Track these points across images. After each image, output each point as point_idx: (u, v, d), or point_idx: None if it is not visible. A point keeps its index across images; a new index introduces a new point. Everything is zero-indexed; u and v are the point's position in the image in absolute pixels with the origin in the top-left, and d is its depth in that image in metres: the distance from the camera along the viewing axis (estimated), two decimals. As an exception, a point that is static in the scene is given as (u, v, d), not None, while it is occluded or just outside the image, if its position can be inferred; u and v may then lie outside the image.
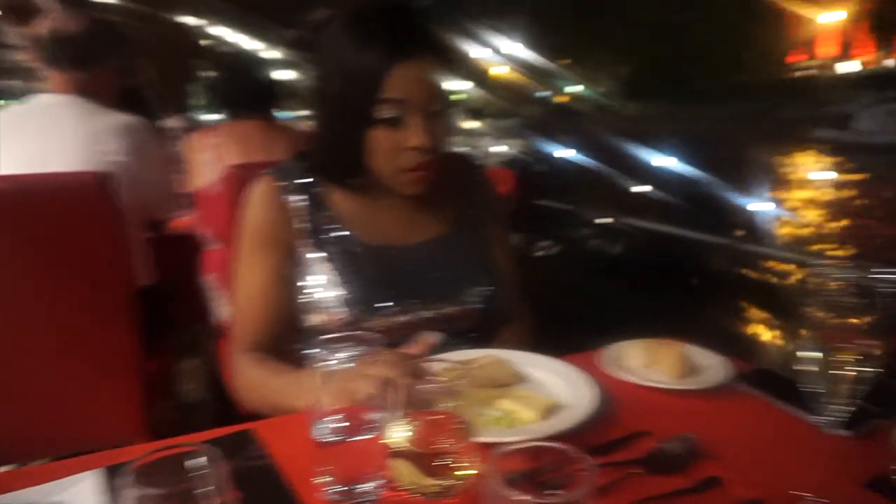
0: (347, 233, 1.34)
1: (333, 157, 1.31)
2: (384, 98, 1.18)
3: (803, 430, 0.98)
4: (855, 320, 0.85)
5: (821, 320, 0.86)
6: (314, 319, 1.30)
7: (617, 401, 1.09)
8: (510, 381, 1.13)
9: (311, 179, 1.35)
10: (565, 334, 1.35)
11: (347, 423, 0.77)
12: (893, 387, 0.90)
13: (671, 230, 2.67)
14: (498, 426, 0.99)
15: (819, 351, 0.84)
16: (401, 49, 1.18)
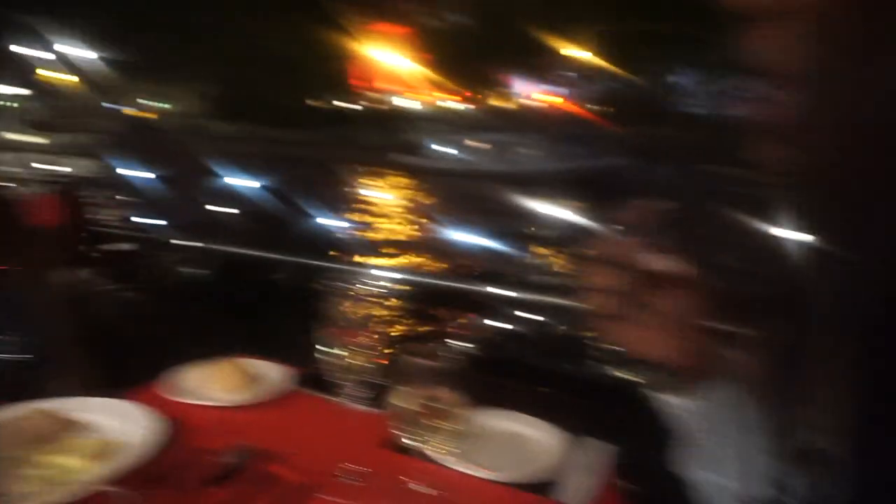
0: None
1: None
2: None
3: (346, 414, 1.15)
4: (363, 316, 1.04)
5: (342, 319, 1.03)
6: None
7: (182, 425, 1.11)
8: (59, 433, 1.05)
9: None
10: (134, 366, 1.31)
11: None
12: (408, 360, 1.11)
13: (243, 250, 2.77)
14: (51, 483, 0.92)
15: (340, 346, 1.01)
16: None
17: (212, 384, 1.24)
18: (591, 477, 0.97)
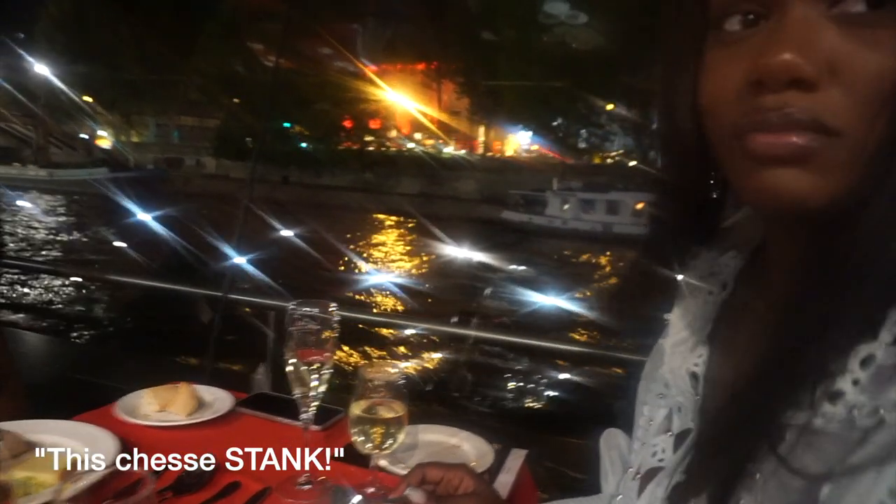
0: None
1: None
2: None
3: (292, 432, 1.27)
4: (315, 340, 1.18)
5: (294, 344, 1.16)
6: None
7: (137, 444, 1.19)
8: (20, 451, 1.11)
9: None
10: (72, 394, 1.37)
11: None
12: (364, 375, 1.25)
13: (170, 286, 2.78)
14: (26, 498, 0.98)
15: (295, 365, 1.13)
16: None
17: (164, 407, 1.32)
18: (510, 475, 1.15)
